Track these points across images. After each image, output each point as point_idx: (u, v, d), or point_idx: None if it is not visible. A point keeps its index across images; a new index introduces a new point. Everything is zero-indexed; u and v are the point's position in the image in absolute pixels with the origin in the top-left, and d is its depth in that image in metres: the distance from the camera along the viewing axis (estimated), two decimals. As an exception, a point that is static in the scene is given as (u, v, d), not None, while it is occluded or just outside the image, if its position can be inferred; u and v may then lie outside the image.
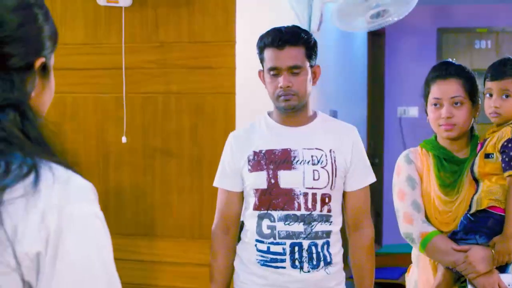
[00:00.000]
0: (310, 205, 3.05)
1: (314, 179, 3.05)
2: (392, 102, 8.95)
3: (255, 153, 3.12)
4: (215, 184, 3.24)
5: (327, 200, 3.08)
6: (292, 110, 3.10)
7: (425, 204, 3.14)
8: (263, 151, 3.11)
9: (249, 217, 3.14)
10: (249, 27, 4.14)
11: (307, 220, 3.05)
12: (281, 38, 3.05)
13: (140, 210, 4.17)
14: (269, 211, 3.07)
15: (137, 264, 4.17)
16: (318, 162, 3.08)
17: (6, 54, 1.36)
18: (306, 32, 3.14)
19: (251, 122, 3.25)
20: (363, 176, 3.19)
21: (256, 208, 3.10)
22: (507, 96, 3.02)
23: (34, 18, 1.42)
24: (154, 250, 4.15)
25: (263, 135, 3.16)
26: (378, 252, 6.76)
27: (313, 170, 3.06)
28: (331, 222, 3.09)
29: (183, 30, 4.07)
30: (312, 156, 3.08)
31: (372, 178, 3.24)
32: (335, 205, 3.12)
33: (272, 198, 3.06)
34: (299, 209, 3.05)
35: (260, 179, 3.08)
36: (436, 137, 3.25)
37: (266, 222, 3.08)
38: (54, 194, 1.33)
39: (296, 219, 3.04)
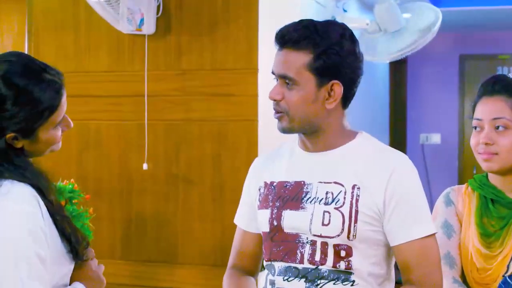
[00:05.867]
0: (317, 258, 2.23)
1: (323, 224, 2.22)
2: (414, 129, 8.93)
3: (266, 184, 2.38)
4: (235, 220, 2.56)
5: (343, 253, 2.22)
6: (293, 133, 2.34)
7: (462, 258, 2.45)
8: (274, 183, 2.35)
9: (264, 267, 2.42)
10: (271, 54, 4.14)
11: (310, 276, 2.24)
12: (282, 34, 2.27)
13: (162, 237, 4.17)
14: (272, 262, 2.32)
15: (159, 291, 4.17)
16: (333, 201, 2.22)
17: None
18: (324, 33, 2.22)
19: (281, 145, 2.49)
20: (409, 224, 2.20)
21: (264, 256, 2.39)
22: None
23: (17, 112, 2.03)
24: (175, 277, 4.14)
25: (281, 162, 2.40)
26: None
27: (324, 212, 2.22)
28: (353, 282, 2.22)
29: (206, 58, 4.08)
30: (327, 193, 2.24)
31: (426, 229, 2.21)
32: (363, 261, 2.23)
33: (273, 246, 2.31)
34: (301, 261, 2.25)
35: (264, 219, 2.33)
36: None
37: (269, 276, 2.34)
38: None
39: (297, 273, 2.26)
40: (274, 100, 2.28)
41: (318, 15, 4.41)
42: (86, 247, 2.17)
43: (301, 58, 2.22)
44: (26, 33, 4.50)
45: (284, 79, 2.25)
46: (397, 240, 2.20)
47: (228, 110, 4.03)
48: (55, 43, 4.38)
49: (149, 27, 4.04)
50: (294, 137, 2.40)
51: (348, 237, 2.20)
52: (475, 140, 2.42)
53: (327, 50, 2.20)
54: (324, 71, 2.21)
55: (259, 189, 2.40)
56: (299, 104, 2.23)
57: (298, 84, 2.22)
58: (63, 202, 3.51)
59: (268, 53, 4.09)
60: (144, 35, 4.13)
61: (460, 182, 8.49)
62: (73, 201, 3.63)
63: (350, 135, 2.33)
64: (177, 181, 4.14)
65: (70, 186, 3.64)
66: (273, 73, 2.31)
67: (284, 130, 2.28)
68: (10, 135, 2.06)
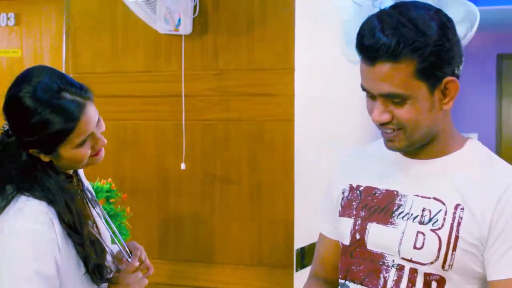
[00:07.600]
0: (403, 287, 1.88)
1: (415, 247, 1.86)
2: (451, 129, 8.86)
3: (351, 188, 2.06)
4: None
5: (434, 285, 1.85)
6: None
7: None
8: (361, 188, 2.03)
9: None
10: (308, 54, 4.14)
11: None
12: (371, 45, 1.80)
13: (199, 236, 4.18)
14: (346, 282, 2.00)
15: (196, 291, 4.18)
16: (430, 221, 1.86)
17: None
18: (423, 27, 1.79)
19: (376, 141, 2.12)
20: None
21: (339, 272, 2.06)
22: None
23: (31, 131, 2.06)
24: (212, 277, 4.14)
25: (372, 164, 2.06)
26: None
27: (417, 232, 1.87)
28: None
29: (242, 58, 4.08)
30: (423, 210, 1.88)
31: None
32: None
33: (353, 263, 1.98)
34: None
35: (344, 230, 2.03)
36: None
37: None
38: (8, 215, 2.02)
39: None
40: (383, 123, 1.88)
41: (356, 14, 4.39)
42: (105, 275, 2.17)
43: (405, 68, 1.81)
44: (64, 34, 4.53)
45: (388, 98, 1.85)
46: (495, 275, 1.82)
47: (264, 110, 4.03)
48: (93, 43, 4.41)
49: (186, 27, 4.05)
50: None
51: (443, 267, 1.84)
52: None
53: (433, 50, 1.81)
54: (435, 72, 1.85)
55: (343, 192, 2.09)
56: (417, 117, 1.87)
57: (409, 98, 1.84)
58: (101, 202, 3.53)
59: (304, 53, 4.09)
60: (180, 35, 4.13)
61: (498, 182, 8.40)
62: (111, 201, 3.65)
63: (458, 143, 2.01)
64: (214, 181, 4.14)
65: (108, 185, 3.66)
66: (365, 90, 1.90)
67: (401, 150, 1.95)
68: (33, 150, 2.12)
